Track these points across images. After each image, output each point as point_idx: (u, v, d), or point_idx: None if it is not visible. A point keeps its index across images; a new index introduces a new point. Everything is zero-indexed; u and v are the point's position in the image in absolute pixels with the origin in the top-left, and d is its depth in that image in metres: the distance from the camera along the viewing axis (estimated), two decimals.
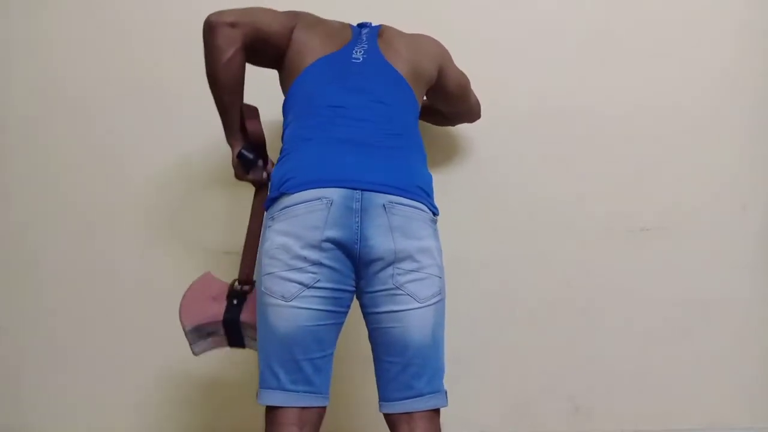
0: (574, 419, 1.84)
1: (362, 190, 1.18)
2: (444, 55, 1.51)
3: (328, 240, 1.16)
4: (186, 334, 1.42)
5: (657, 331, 1.85)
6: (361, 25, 1.48)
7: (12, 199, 1.91)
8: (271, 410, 1.18)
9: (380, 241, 1.18)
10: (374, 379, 1.26)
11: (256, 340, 1.26)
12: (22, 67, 1.92)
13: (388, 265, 1.18)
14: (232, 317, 1.40)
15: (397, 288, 1.18)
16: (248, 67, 1.37)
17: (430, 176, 1.31)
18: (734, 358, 1.85)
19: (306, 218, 1.17)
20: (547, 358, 1.85)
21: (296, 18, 1.39)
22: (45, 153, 1.91)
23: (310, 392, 1.18)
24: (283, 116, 1.37)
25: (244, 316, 1.40)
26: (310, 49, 1.36)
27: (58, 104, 1.91)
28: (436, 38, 1.51)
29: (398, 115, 1.32)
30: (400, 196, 1.20)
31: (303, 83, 1.33)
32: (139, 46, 1.92)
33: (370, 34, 1.42)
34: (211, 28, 1.28)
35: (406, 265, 1.19)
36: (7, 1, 1.93)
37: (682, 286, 1.85)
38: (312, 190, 1.18)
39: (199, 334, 1.42)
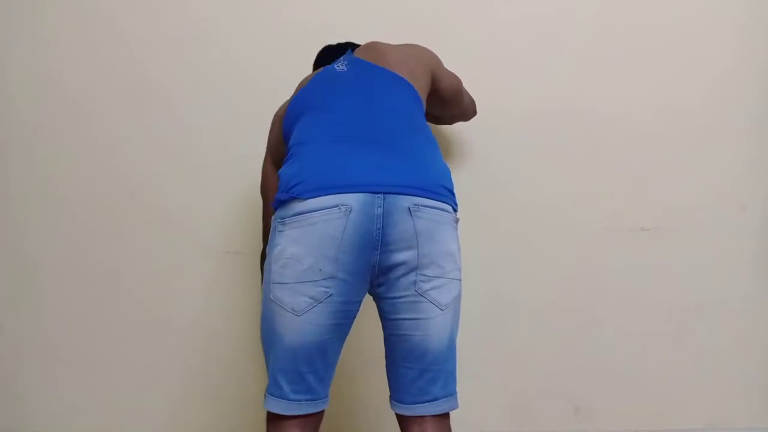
0: (574, 419, 1.84)
1: (384, 193, 1.11)
2: (434, 59, 1.47)
3: (345, 251, 1.10)
4: None
5: (657, 330, 1.85)
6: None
7: (12, 200, 1.91)
8: (273, 413, 1.18)
9: (403, 246, 1.12)
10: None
11: None
12: (22, 67, 1.92)
13: (411, 270, 1.13)
14: None
15: (420, 295, 1.14)
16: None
17: (449, 170, 1.25)
18: (734, 359, 1.85)
19: (322, 228, 1.10)
20: (547, 358, 1.84)
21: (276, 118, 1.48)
22: (45, 154, 1.91)
23: (311, 400, 1.17)
24: (286, 143, 1.32)
25: None
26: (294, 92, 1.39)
27: (58, 105, 1.91)
28: (428, 44, 1.47)
29: (403, 110, 1.27)
30: (426, 197, 1.14)
31: (298, 100, 1.32)
32: (139, 46, 1.91)
33: (344, 56, 1.38)
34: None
35: (430, 272, 1.14)
36: (8, 1, 1.93)
37: (682, 286, 1.85)
38: (328, 197, 1.11)
39: None
